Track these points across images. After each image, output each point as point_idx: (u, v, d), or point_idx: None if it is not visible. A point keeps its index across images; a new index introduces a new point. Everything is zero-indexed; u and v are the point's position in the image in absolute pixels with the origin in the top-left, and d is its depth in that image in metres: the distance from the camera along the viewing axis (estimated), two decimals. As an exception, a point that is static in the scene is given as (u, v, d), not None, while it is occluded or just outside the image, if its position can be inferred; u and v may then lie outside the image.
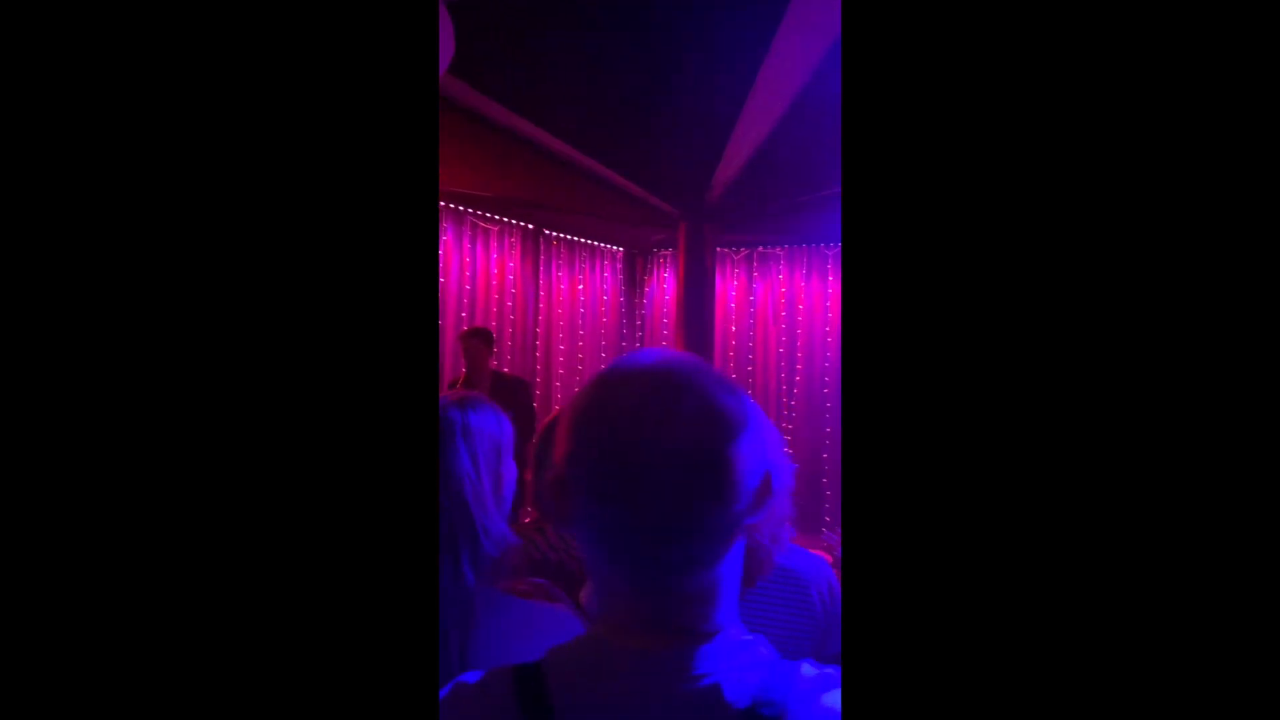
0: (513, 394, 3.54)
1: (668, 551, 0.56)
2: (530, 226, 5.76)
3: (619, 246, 6.31)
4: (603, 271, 6.29)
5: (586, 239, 6.16)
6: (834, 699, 0.56)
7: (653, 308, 6.37)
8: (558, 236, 6.01)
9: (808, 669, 0.58)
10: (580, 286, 6.14)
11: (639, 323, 6.35)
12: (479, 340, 3.58)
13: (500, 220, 5.58)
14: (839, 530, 5.52)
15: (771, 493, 0.60)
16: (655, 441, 0.55)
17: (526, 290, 5.73)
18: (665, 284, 6.36)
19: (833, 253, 6.07)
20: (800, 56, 3.24)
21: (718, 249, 5.75)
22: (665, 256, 6.34)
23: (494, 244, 5.57)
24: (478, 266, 5.45)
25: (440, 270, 5.11)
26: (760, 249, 6.24)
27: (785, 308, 6.16)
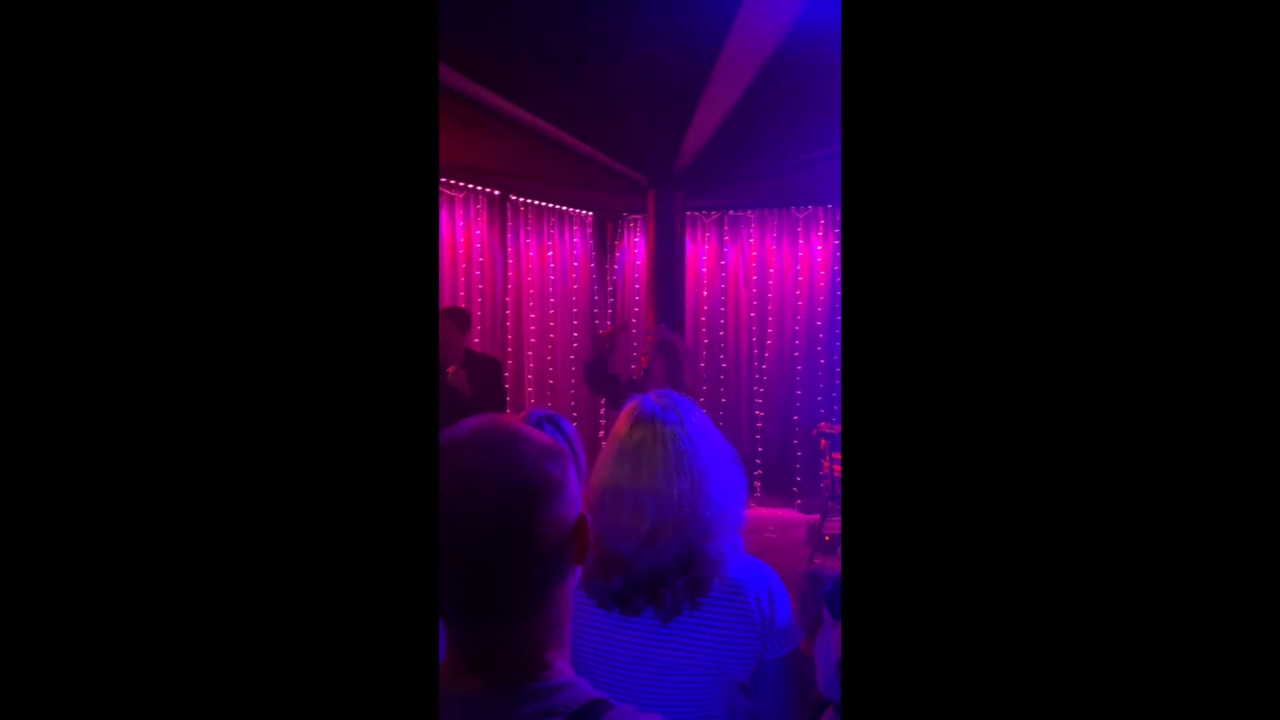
0: (486, 373, 3.50)
1: (484, 605, 0.62)
2: (496, 193, 5.63)
3: (588, 211, 6.21)
4: (572, 237, 6.19)
5: (555, 204, 6.04)
6: None
7: (624, 273, 6.31)
8: (525, 202, 5.89)
9: (628, 709, 0.63)
10: (550, 253, 6.05)
11: (610, 289, 6.29)
12: (449, 320, 3.51)
13: (465, 186, 5.44)
14: (810, 496, 5.63)
15: (587, 543, 0.66)
16: (461, 509, 0.61)
17: (494, 258, 5.63)
18: (636, 248, 6.29)
19: (803, 215, 6.04)
20: (769, 21, 3.16)
21: (688, 212, 5.69)
22: (636, 221, 6.26)
23: (459, 211, 5.44)
24: (443, 234, 5.33)
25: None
26: (731, 212, 6.18)
27: (756, 271, 6.14)
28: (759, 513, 5.47)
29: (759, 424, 5.99)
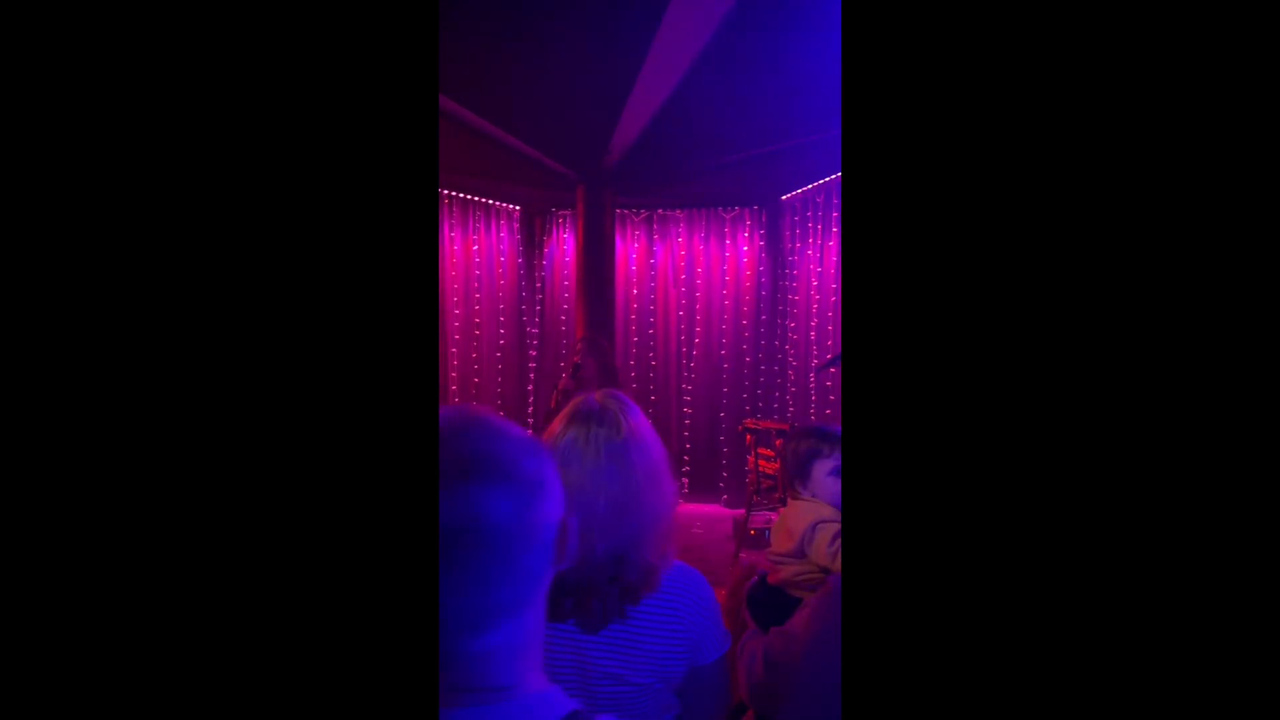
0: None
1: (468, 610, 0.58)
2: (420, 184, 5.48)
3: (516, 205, 6.12)
4: (499, 232, 6.09)
5: (481, 197, 5.93)
6: None
7: (552, 269, 6.25)
8: (450, 195, 5.76)
9: None
10: (475, 247, 5.93)
11: (539, 284, 6.22)
12: None
13: (387, 178, 5.26)
14: (735, 491, 5.72)
15: (569, 543, 0.63)
16: (453, 507, 0.56)
17: (418, 252, 5.48)
18: (565, 244, 6.24)
19: (730, 216, 6.12)
20: (697, 18, 3.18)
21: (617, 210, 5.67)
22: (565, 216, 6.21)
23: (381, 203, 5.26)
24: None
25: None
26: (660, 211, 6.21)
27: (685, 270, 6.19)
28: (686, 508, 5.51)
29: (687, 421, 6.04)
